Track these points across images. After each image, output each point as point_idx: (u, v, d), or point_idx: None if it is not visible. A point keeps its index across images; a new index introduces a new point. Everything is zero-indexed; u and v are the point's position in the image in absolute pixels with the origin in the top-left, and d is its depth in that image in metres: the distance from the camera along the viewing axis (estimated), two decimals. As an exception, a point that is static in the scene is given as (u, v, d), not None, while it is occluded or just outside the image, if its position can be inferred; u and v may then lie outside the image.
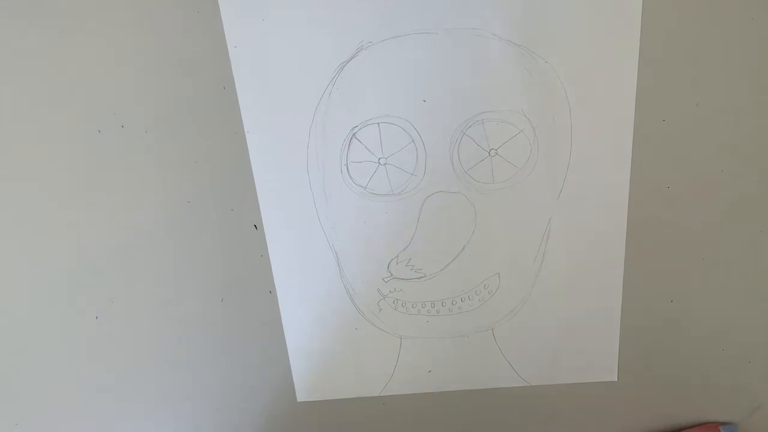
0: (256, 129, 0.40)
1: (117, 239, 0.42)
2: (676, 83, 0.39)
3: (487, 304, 0.45)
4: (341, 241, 0.43)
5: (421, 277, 0.44)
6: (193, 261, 0.43)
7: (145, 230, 0.42)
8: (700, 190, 0.42)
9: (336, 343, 0.45)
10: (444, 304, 0.44)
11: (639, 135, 0.40)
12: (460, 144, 0.40)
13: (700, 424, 0.41)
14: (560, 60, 0.38)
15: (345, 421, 0.49)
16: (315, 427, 0.49)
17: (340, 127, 0.40)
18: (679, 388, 0.48)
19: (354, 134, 0.40)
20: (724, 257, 0.44)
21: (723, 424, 0.41)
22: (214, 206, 0.41)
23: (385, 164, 0.41)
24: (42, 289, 0.43)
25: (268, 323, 0.45)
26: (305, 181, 0.41)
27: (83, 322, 0.44)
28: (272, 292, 0.44)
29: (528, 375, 0.47)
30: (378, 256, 0.43)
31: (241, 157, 0.40)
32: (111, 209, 0.41)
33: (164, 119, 0.39)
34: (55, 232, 0.42)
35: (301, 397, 0.48)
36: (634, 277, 0.44)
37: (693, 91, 0.39)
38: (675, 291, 0.45)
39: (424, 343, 0.46)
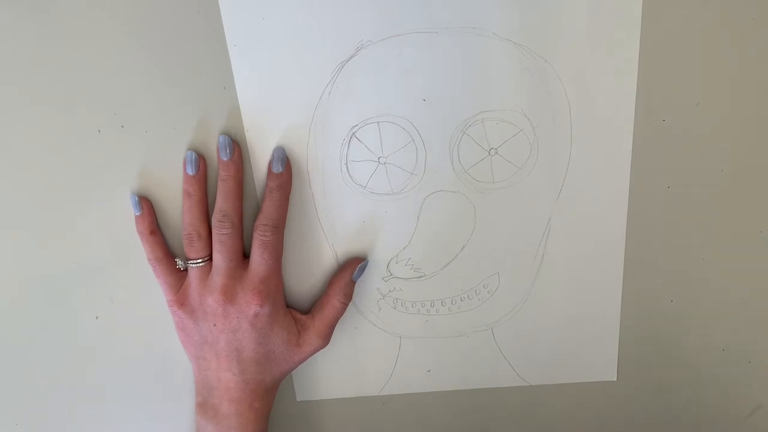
0: (255, 128, 0.40)
1: (117, 239, 0.42)
2: (676, 83, 0.39)
3: (486, 304, 0.45)
4: (341, 240, 0.43)
5: (421, 277, 0.44)
6: (193, 260, 0.43)
7: (145, 230, 0.42)
8: (700, 190, 0.42)
9: (335, 342, 0.45)
10: (443, 304, 0.44)
11: (639, 135, 0.40)
12: (459, 143, 0.40)
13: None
14: (560, 60, 0.38)
15: (345, 420, 0.49)
16: (315, 426, 0.49)
17: (340, 126, 0.40)
18: (679, 388, 0.48)
19: (354, 133, 0.40)
20: (724, 257, 0.44)
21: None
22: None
23: (384, 163, 0.41)
24: (41, 288, 0.43)
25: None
26: (305, 180, 0.41)
27: (83, 322, 0.44)
28: (272, 291, 0.44)
29: (527, 375, 0.47)
30: (377, 256, 0.43)
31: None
32: (111, 209, 0.41)
33: (164, 119, 0.39)
34: (54, 231, 0.42)
35: (300, 396, 0.48)
36: (634, 277, 0.44)
37: (693, 91, 0.39)
38: (675, 291, 0.45)
39: (423, 342, 0.46)
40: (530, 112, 0.39)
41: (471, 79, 0.39)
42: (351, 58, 0.38)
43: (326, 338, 0.43)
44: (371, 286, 0.44)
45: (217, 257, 0.40)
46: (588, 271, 0.44)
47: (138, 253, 0.42)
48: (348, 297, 0.42)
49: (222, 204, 0.39)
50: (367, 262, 0.43)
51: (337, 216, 0.42)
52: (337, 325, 0.43)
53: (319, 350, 0.43)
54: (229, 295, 0.40)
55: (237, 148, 0.39)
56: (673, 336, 0.46)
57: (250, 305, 0.39)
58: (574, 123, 0.40)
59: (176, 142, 0.40)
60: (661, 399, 0.48)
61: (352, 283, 0.42)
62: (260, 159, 0.40)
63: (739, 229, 0.43)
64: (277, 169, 0.39)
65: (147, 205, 0.41)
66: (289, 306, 0.43)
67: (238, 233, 0.40)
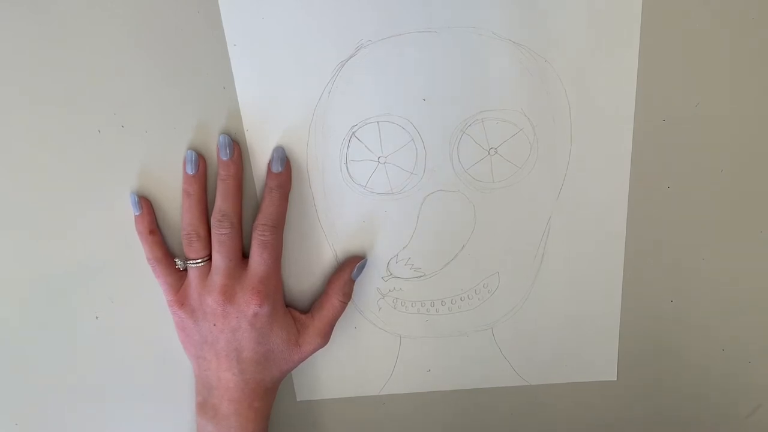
0: (255, 128, 0.40)
1: (117, 239, 0.42)
2: (676, 83, 0.39)
3: (486, 304, 0.45)
4: (341, 240, 0.43)
5: (421, 276, 0.44)
6: (193, 260, 0.43)
7: (145, 230, 0.42)
8: (700, 190, 0.42)
9: (335, 342, 0.45)
10: (443, 303, 0.44)
11: (639, 135, 0.40)
12: (459, 143, 0.40)
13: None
14: (560, 60, 0.38)
15: (345, 420, 0.49)
16: (315, 426, 0.49)
17: (340, 125, 0.40)
18: (679, 388, 0.48)
19: (353, 133, 0.40)
20: (724, 257, 0.44)
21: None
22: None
23: (384, 163, 0.41)
24: (41, 288, 0.43)
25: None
26: (305, 180, 0.41)
27: (83, 322, 0.44)
28: (272, 291, 0.44)
29: (527, 374, 0.47)
30: (377, 255, 0.43)
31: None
32: (111, 209, 0.41)
33: (164, 119, 0.39)
34: (54, 231, 0.42)
35: (300, 396, 0.48)
36: (634, 277, 0.44)
37: (693, 91, 0.39)
38: (675, 291, 0.45)
39: (423, 342, 0.46)
40: (530, 111, 0.39)
41: (471, 79, 0.39)
42: (351, 57, 0.38)
43: (326, 337, 0.43)
44: (371, 285, 0.44)
45: (217, 257, 0.40)
46: (588, 271, 0.44)
47: (138, 253, 0.42)
48: (347, 296, 0.42)
49: (221, 204, 0.39)
50: (366, 260, 0.43)
51: (337, 215, 0.42)
52: (337, 325, 0.43)
53: (318, 349, 0.43)
54: (228, 295, 0.40)
55: (237, 147, 0.39)
56: (673, 336, 0.46)
57: (249, 305, 0.39)
58: (574, 123, 0.40)
59: (176, 142, 0.40)
60: (661, 399, 0.48)
61: (352, 282, 0.42)
62: (260, 159, 0.40)
63: (739, 229, 0.43)
64: (277, 168, 0.39)
65: (146, 205, 0.41)
66: (288, 305, 0.43)
67: (238, 233, 0.40)
